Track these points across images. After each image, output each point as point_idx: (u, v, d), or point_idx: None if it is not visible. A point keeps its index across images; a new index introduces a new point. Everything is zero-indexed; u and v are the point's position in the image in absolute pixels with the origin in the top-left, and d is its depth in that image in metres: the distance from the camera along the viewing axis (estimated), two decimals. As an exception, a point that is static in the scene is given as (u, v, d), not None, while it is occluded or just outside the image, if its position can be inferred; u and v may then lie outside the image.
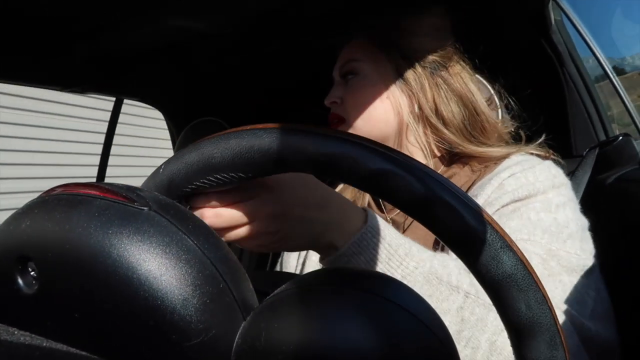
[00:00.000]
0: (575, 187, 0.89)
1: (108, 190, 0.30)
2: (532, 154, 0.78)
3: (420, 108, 0.79)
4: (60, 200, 0.29)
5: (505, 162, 0.75)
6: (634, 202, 0.82)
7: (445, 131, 0.78)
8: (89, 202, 0.29)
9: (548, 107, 1.09)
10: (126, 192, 0.30)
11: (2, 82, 1.12)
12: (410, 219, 0.78)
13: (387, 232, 0.52)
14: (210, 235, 0.30)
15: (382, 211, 0.83)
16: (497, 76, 0.90)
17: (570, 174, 0.92)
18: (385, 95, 0.79)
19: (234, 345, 0.28)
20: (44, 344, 0.20)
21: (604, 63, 0.95)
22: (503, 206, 0.68)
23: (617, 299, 0.78)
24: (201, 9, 0.87)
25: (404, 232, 0.77)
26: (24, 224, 0.29)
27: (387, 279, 0.30)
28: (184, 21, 0.91)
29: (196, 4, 0.85)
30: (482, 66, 0.90)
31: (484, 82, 0.88)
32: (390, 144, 0.80)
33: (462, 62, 0.82)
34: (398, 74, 0.79)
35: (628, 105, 0.95)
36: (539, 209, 0.67)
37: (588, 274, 0.64)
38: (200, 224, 0.31)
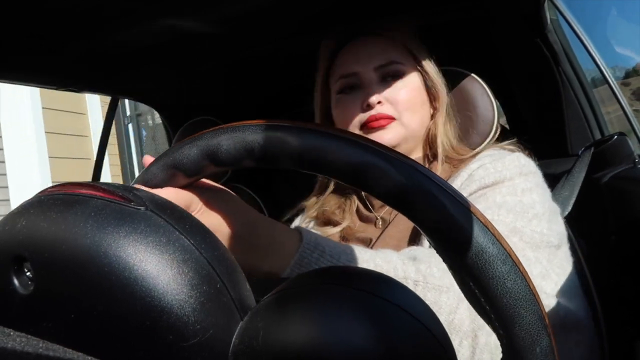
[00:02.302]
0: (571, 185, 0.90)
1: (104, 190, 0.30)
2: (504, 148, 0.83)
3: (439, 115, 0.84)
4: (56, 200, 0.29)
5: (478, 157, 0.80)
6: (629, 200, 0.83)
7: (448, 136, 0.83)
8: (85, 201, 0.29)
9: (544, 107, 1.09)
10: (122, 192, 0.30)
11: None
12: (395, 213, 0.81)
13: (326, 244, 0.53)
14: (207, 235, 0.30)
15: (369, 211, 0.86)
16: (494, 76, 0.90)
17: (566, 172, 0.93)
18: (426, 99, 0.84)
19: (232, 345, 0.28)
20: (40, 345, 0.20)
21: (599, 63, 0.95)
22: (471, 194, 0.72)
23: (613, 295, 0.78)
24: (195, 7, 0.86)
25: (388, 225, 0.82)
26: (19, 224, 0.28)
27: (385, 278, 0.30)
28: (178, 20, 0.90)
29: (190, 2, 0.84)
30: (478, 65, 0.90)
31: (480, 82, 0.88)
32: (421, 146, 0.85)
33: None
34: (428, 81, 0.83)
35: (624, 105, 0.95)
36: (505, 193, 0.70)
37: (554, 251, 0.67)
38: (197, 224, 0.31)
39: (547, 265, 0.65)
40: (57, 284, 0.27)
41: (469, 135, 0.87)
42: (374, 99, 0.79)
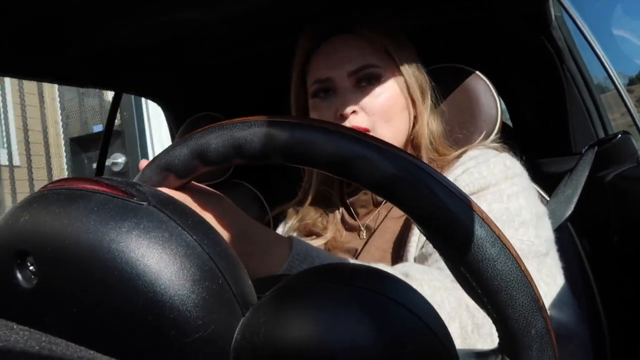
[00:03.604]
0: (574, 184, 0.89)
1: (107, 185, 0.30)
2: (488, 148, 0.80)
3: (421, 118, 0.80)
4: (59, 195, 0.29)
5: (462, 158, 0.76)
6: (633, 199, 0.82)
7: (432, 138, 0.80)
8: (88, 196, 0.29)
9: (547, 104, 1.08)
10: (125, 187, 0.30)
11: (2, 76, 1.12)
12: (379, 222, 0.79)
13: (316, 254, 0.53)
14: (210, 230, 0.30)
15: (354, 219, 0.83)
16: (496, 73, 0.90)
17: (569, 171, 0.92)
18: (405, 105, 0.78)
19: (233, 341, 0.28)
20: (43, 339, 0.20)
21: (604, 61, 0.94)
22: None
23: (615, 295, 0.78)
24: (195, 5, 0.86)
25: (372, 234, 0.79)
26: (22, 219, 0.28)
27: (385, 276, 0.30)
28: (179, 17, 0.90)
29: (191, 1, 0.84)
30: (480, 63, 0.90)
31: (484, 79, 0.88)
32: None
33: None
34: (412, 83, 0.78)
35: (629, 105, 0.94)
36: (491, 200, 0.68)
37: (542, 260, 0.66)
38: (199, 220, 0.31)
39: (536, 275, 0.63)
40: (60, 279, 0.27)
41: (472, 133, 0.86)
42: (347, 110, 0.74)
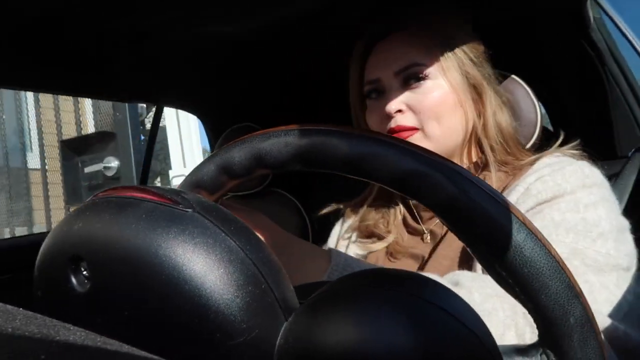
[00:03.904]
0: (620, 190, 0.86)
1: (154, 193, 0.31)
2: (565, 155, 0.74)
3: (483, 116, 0.75)
4: (109, 203, 0.30)
5: (536, 165, 0.72)
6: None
7: (497, 142, 0.75)
8: (137, 204, 0.30)
9: (589, 108, 1.05)
10: (171, 195, 0.31)
11: (46, 92, 1.18)
12: (445, 229, 0.75)
13: (356, 264, 0.53)
14: (252, 236, 0.31)
15: (418, 223, 0.80)
16: (535, 76, 0.88)
17: (615, 175, 0.89)
18: (458, 102, 0.74)
19: (276, 345, 0.28)
20: (98, 339, 0.21)
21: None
22: (527, 211, 0.65)
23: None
24: (235, 16, 0.89)
25: (440, 242, 0.75)
26: (76, 226, 0.30)
27: (431, 282, 0.30)
28: (219, 28, 0.93)
29: (230, 12, 0.87)
30: (518, 68, 0.88)
31: (522, 83, 0.86)
32: (457, 155, 0.77)
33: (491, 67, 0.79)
34: (465, 79, 0.74)
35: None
36: (564, 209, 0.63)
37: (623, 275, 0.60)
38: (242, 226, 0.31)
39: (615, 291, 0.58)
40: (111, 283, 0.28)
41: None
42: (392, 106, 0.72)
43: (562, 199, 0.64)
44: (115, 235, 0.28)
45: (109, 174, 4.25)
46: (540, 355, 0.32)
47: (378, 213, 0.83)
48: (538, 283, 0.30)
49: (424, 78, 0.73)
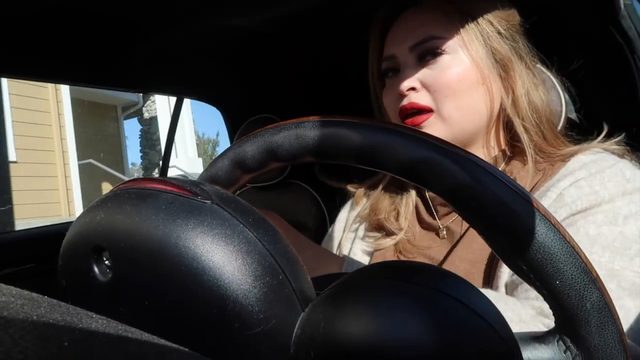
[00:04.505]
0: None
1: (173, 185, 0.31)
2: (606, 151, 0.67)
3: (513, 93, 0.68)
4: (130, 194, 0.31)
5: (571, 163, 0.65)
6: None
7: (533, 123, 0.67)
8: (156, 195, 0.30)
9: (619, 99, 1.03)
10: (190, 186, 0.32)
11: (65, 84, 1.21)
12: (466, 226, 0.69)
13: None
14: (270, 228, 0.31)
15: (434, 218, 0.75)
16: (563, 65, 0.86)
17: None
18: (481, 79, 0.67)
19: (293, 335, 0.29)
20: (119, 327, 0.21)
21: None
22: (560, 221, 0.60)
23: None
24: (250, 7, 0.89)
25: (458, 242, 0.69)
26: (98, 217, 0.31)
27: (449, 275, 0.30)
28: (235, 20, 0.93)
29: (245, 3, 0.87)
30: (542, 57, 0.86)
31: (546, 72, 0.84)
32: (481, 139, 0.71)
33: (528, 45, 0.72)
34: (491, 53, 0.67)
35: None
36: (601, 222, 0.57)
37: None
38: (259, 217, 0.32)
39: None
40: (133, 272, 0.29)
41: None
42: (405, 84, 0.67)
43: (598, 208, 0.58)
44: (135, 226, 0.29)
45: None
46: (557, 341, 0.32)
47: (390, 202, 0.77)
48: (552, 268, 0.29)
49: (441, 53, 0.67)
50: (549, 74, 0.84)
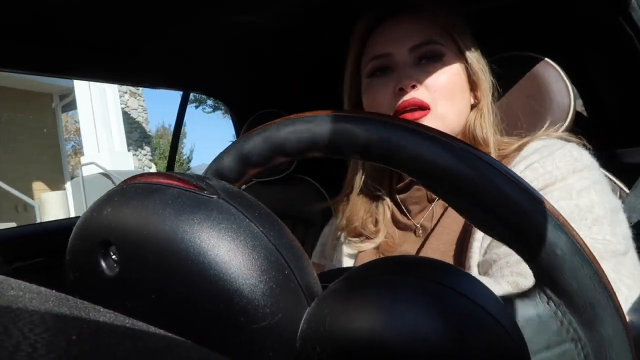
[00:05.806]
0: None
1: (179, 179, 0.31)
2: (553, 138, 0.73)
3: (479, 101, 0.76)
4: (137, 189, 0.31)
5: (525, 151, 0.71)
6: None
7: (488, 131, 0.74)
8: (163, 190, 0.31)
9: (627, 91, 1.02)
10: (196, 181, 0.32)
11: (75, 79, 1.21)
12: (435, 221, 0.74)
13: None
14: (275, 222, 0.31)
15: (407, 218, 0.79)
16: (570, 59, 0.85)
17: (652, 161, 0.86)
18: (465, 87, 0.75)
19: (299, 330, 0.29)
20: (126, 321, 0.21)
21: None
22: None
23: None
24: (256, 3, 0.89)
25: (429, 235, 0.74)
26: (105, 211, 0.31)
27: (454, 270, 0.29)
28: (240, 16, 0.93)
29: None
30: (550, 50, 0.85)
31: (555, 66, 0.84)
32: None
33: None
34: (470, 67, 0.75)
35: None
36: (558, 198, 0.63)
37: (620, 260, 0.59)
38: (265, 212, 0.32)
39: (615, 277, 0.58)
40: (139, 267, 0.29)
41: (543, 122, 0.82)
42: (407, 81, 0.70)
43: (554, 187, 0.64)
44: (142, 220, 0.29)
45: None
46: (540, 295, 0.32)
47: (365, 211, 0.81)
48: (520, 219, 0.30)
49: (440, 57, 0.72)
50: (556, 66, 0.84)
